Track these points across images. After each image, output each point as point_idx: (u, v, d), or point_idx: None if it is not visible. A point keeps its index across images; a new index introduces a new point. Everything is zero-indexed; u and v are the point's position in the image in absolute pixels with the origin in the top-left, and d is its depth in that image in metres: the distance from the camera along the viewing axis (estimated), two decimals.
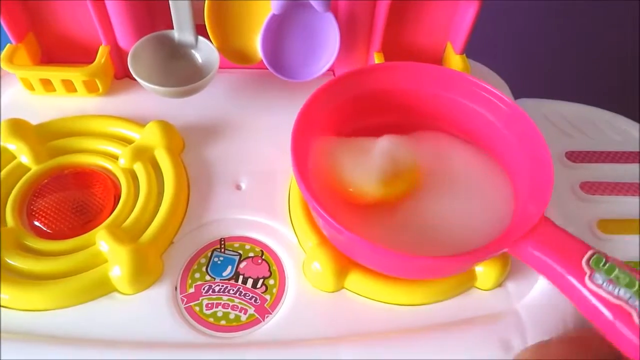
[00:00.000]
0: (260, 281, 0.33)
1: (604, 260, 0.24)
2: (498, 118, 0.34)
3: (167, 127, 0.39)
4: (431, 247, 0.30)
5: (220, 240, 0.35)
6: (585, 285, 0.24)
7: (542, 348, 0.25)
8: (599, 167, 0.45)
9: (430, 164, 0.34)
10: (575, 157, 0.45)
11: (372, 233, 0.28)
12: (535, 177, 0.31)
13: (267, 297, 0.32)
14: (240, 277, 0.33)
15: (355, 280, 0.32)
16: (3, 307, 0.31)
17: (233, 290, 0.33)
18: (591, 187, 0.43)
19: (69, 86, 0.43)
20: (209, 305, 0.32)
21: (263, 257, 0.34)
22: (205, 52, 0.43)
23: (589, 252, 0.25)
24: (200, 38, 0.42)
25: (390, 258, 0.29)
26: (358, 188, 0.32)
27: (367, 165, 0.33)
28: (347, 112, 0.36)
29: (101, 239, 0.32)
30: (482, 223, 0.31)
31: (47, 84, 0.43)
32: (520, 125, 0.33)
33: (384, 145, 0.34)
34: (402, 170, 0.33)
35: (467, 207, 0.32)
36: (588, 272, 0.24)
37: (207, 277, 0.33)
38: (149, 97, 0.42)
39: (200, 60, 0.43)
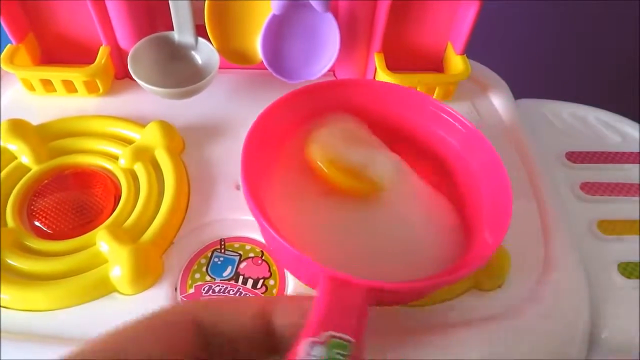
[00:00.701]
0: (261, 282, 0.33)
1: (348, 350, 0.21)
2: (459, 142, 0.34)
3: (167, 128, 0.39)
4: (368, 266, 0.28)
5: (221, 240, 0.35)
6: (299, 343, 0.21)
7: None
8: (599, 168, 0.45)
9: (395, 190, 0.33)
10: (575, 157, 0.45)
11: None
12: (495, 205, 0.30)
13: None
14: (241, 278, 0.33)
15: None
16: (3, 307, 0.31)
17: (233, 290, 0.33)
18: (591, 188, 0.43)
19: (70, 86, 0.43)
20: None
21: (263, 258, 0.34)
22: (205, 53, 0.43)
23: (346, 336, 0.22)
24: (200, 39, 0.42)
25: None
26: (313, 150, 0.31)
27: (346, 145, 0.32)
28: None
29: (101, 239, 0.32)
30: (430, 251, 0.30)
31: (47, 84, 0.43)
32: (481, 151, 0.32)
33: (386, 153, 0.33)
34: (369, 177, 0.32)
35: (413, 234, 0.31)
36: (316, 339, 0.21)
37: (207, 278, 0.33)
38: (149, 97, 0.42)
39: (200, 61, 0.43)
